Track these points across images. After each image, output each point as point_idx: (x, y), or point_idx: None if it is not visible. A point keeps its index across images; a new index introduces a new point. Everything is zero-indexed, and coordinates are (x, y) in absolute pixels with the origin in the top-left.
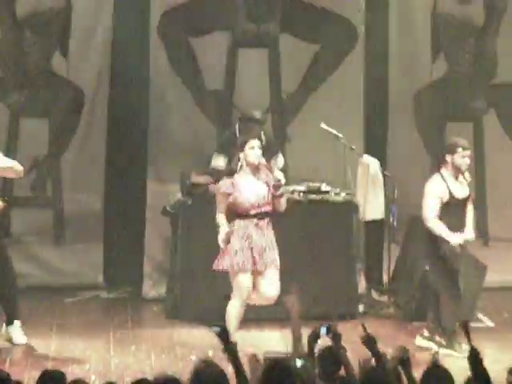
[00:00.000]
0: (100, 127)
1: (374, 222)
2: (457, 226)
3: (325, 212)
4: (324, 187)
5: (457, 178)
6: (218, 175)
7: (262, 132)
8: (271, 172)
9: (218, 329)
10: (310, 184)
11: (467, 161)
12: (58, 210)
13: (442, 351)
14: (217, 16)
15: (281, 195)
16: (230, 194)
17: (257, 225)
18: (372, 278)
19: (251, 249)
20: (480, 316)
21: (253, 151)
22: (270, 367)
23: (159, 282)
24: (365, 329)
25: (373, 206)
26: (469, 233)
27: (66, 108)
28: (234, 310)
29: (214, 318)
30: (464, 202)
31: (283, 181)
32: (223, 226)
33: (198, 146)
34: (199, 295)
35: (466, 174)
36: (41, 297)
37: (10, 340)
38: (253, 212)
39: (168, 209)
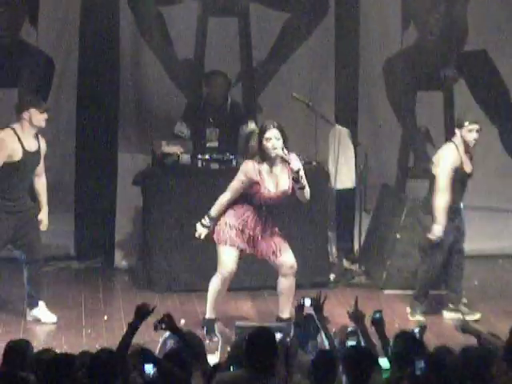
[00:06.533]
0: (70, 96)
1: (345, 190)
2: (457, 200)
3: None
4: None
5: (466, 151)
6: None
7: (230, 98)
8: (288, 162)
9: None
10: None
11: (474, 135)
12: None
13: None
14: None
15: (302, 187)
16: (252, 181)
17: (255, 214)
18: (343, 246)
19: (244, 232)
20: None
21: (269, 143)
22: (254, 335)
23: (130, 252)
24: (356, 304)
25: (344, 175)
26: None
27: (36, 77)
28: (213, 286)
29: (184, 288)
30: (468, 177)
31: (302, 172)
32: (209, 219)
33: (170, 116)
34: (170, 266)
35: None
36: (11, 268)
37: (38, 321)
38: (259, 201)
39: (138, 178)
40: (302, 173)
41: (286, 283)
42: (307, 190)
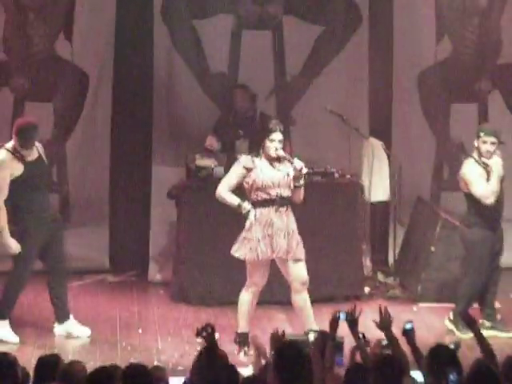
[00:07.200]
0: (104, 111)
1: (379, 203)
2: (497, 208)
3: (330, 194)
4: (329, 169)
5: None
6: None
7: (258, 111)
8: (291, 162)
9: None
10: (315, 166)
11: (488, 147)
12: (64, 194)
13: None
14: None
15: (300, 185)
16: (249, 170)
17: (277, 210)
18: (378, 259)
19: (272, 236)
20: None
21: (271, 144)
22: (281, 349)
23: (165, 265)
24: (381, 312)
25: (378, 188)
26: None
27: (71, 92)
28: (244, 300)
29: (219, 301)
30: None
31: (304, 170)
32: (243, 205)
33: (203, 129)
34: (204, 279)
35: (496, 162)
36: (45, 281)
37: (69, 336)
38: (273, 192)
39: (172, 192)
40: (304, 171)
41: (300, 300)
42: (302, 191)
